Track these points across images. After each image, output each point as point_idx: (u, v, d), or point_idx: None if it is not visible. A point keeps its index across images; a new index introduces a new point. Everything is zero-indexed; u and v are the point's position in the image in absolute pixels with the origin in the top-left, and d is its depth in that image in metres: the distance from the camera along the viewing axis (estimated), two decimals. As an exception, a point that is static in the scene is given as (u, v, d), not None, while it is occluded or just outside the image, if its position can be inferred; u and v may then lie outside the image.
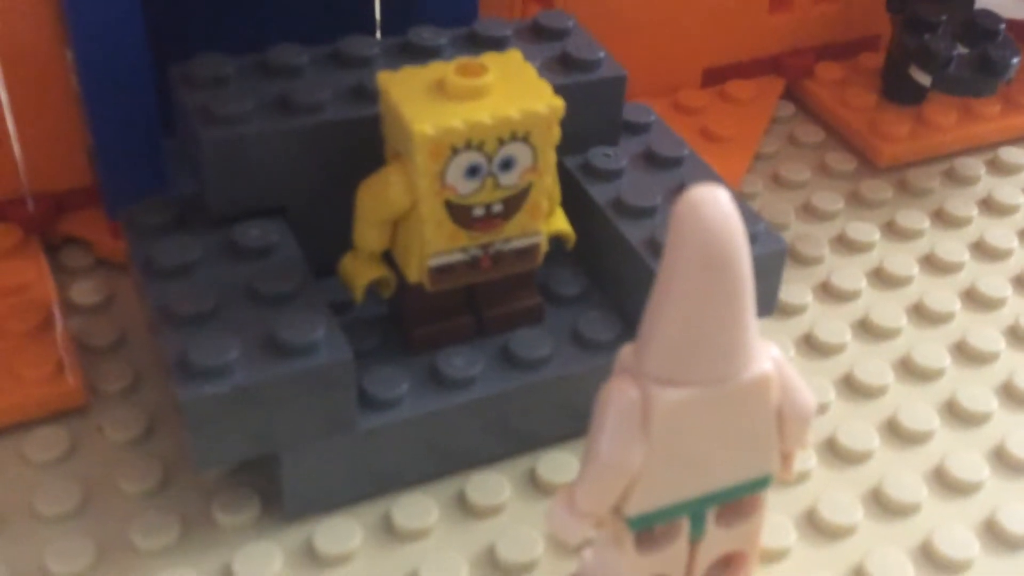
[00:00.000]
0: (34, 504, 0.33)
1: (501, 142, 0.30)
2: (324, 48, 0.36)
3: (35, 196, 0.41)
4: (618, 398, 0.26)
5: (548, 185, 0.32)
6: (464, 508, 0.34)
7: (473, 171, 0.31)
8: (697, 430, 0.27)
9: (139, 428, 0.35)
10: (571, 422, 0.35)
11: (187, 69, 0.35)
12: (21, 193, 0.41)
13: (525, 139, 0.31)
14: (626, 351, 0.27)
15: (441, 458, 0.34)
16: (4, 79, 0.39)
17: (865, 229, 0.45)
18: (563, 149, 0.33)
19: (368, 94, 0.34)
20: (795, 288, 0.42)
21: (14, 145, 0.40)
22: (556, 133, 0.31)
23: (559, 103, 0.31)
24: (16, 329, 0.37)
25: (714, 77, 0.51)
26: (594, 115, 0.37)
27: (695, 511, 0.28)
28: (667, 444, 0.27)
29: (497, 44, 0.37)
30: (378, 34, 0.42)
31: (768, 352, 0.27)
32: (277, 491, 0.33)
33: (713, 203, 0.25)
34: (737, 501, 0.29)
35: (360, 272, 0.33)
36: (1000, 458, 0.36)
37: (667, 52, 0.49)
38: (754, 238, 0.34)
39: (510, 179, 0.31)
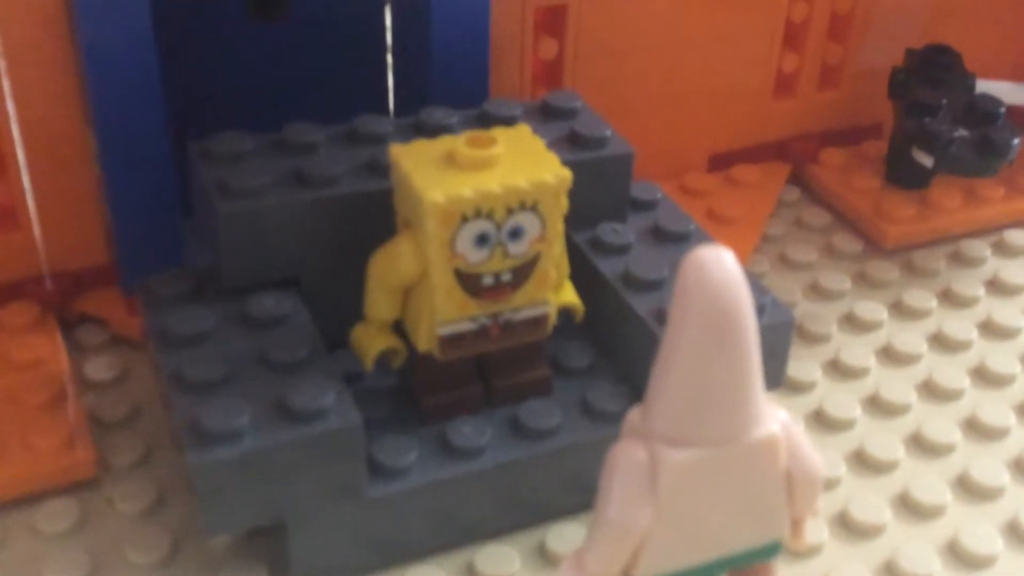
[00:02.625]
0: (43, 575, 0.33)
1: (510, 211, 0.31)
2: (339, 127, 0.37)
3: (53, 275, 0.42)
4: (626, 459, 0.26)
5: (556, 255, 0.33)
6: (474, 580, 0.34)
7: (482, 240, 0.31)
8: (706, 491, 0.27)
9: (149, 500, 0.35)
10: (580, 494, 0.35)
11: (206, 145, 0.36)
12: (39, 272, 0.42)
13: (534, 208, 0.31)
14: (634, 414, 0.27)
15: (450, 529, 0.34)
16: (27, 160, 0.40)
17: (873, 308, 0.45)
18: (572, 225, 0.34)
19: (381, 169, 0.35)
20: (804, 365, 0.42)
21: (34, 225, 0.41)
22: (564, 203, 0.32)
23: (567, 173, 0.32)
24: (30, 402, 0.37)
25: (720, 162, 0.52)
26: (602, 191, 0.38)
27: (706, 577, 0.28)
28: (676, 505, 0.27)
29: (507, 123, 0.38)
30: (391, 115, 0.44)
31: (776, 415, 0.27)
32: (284, 562, 0.33)
33: (718, 263, 0.25)
34: (748, 569, 0.29)
35: (371, 342, 0.33)
36: (1013, 531, 0.36)
37: (674, 137, 0.50)
38: (761, 309, 0.34)
39: (519, 248, 0.32)
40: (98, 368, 0.40)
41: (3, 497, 0.35)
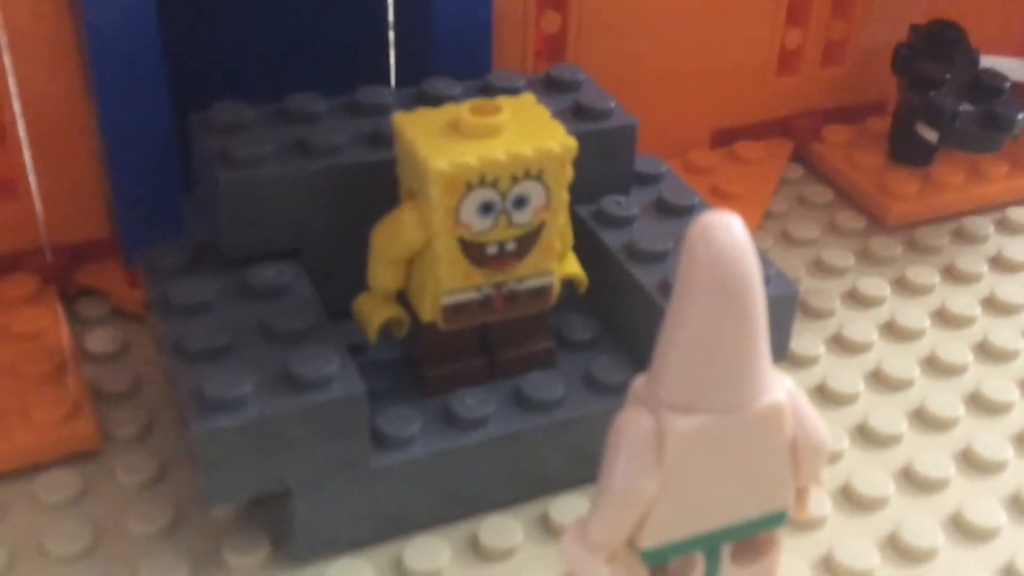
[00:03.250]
0: (45, 544, 0.33)
1: (514, 180, 0.31)
2: (341, 98, 0.37)
3: (53, 247, 0.42)
4: (631, 426, 0.26)
5: (561, 225, 0.33)
6: (476, 551, 0.34)
7: (487, 208, 0.31)
8: (711, 459, 0.27)
9: (150, 472, 0.35)
10: (583, 467, 0.34)
11: (207, 116, 0.35)
12: (39, 243, 0.41)
13: (538, 177, 0.31)
14: (639, 381, 0.27)
15: (453, 500, 0.34)
16: (27, 132, 0.40)
17: (876, 284, 0.45)
18: (575, 197, 0.34)
19: (383, 139, 0.35)
20: (807, 339, 0.42)
21: (35, 197, 0.41)
22: (569, 172, 0.32)
23: (572, 142, 0.31)
24: (31, 373, 0.37)
25: (723, 138, 0.52)
26: (606, 163, 0.38)
27: (710, 546, 0.28)
28: (681, 473, 0.26)
29: (510, 94, 0.38)
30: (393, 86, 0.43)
31: (782, 383, 0.27)
32: (287, 532, 0.33)
33: (725, 227, 0.25)
34: (752, 538, 0.29)
35: (374, 312, 0.33)
36: (1016, 504, 0.36)
37: (677, 114, 0.50)
38: (767, 280, 0.34)
39: (523, 217, 0.32)
40: (99, 340, 0.40)
41: (4, 468, 0.35)
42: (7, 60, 0.38)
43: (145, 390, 0.39)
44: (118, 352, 0.40)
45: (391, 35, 0.45)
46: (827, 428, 0.28)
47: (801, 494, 0.29)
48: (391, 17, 0.45)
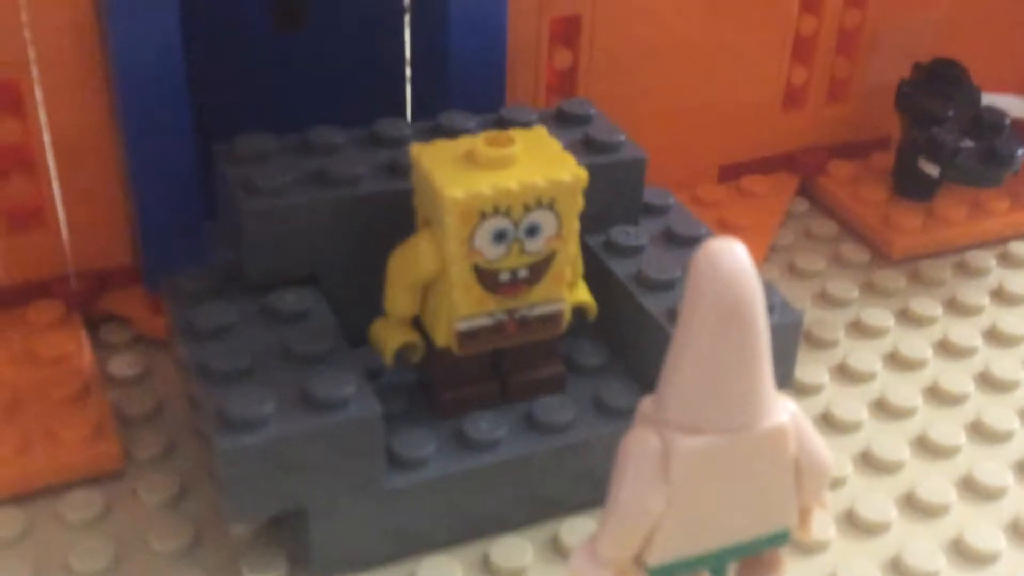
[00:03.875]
0: (69, 561, 0.34)
1: (527, 208, 0.32)
2: (360, 130, 0.38)
3: (78, 274, 0.43)
4: (639, 445, 0.27)
5: (572, 253, 0.34)
6: (488, 571, 0.34)
7: (500, 236, 0.32)
8: (716, 478, 0.28)
9: (172, 491, 0.36)
10: (593, 489, 0.35)
11: (231, 147, 0.37)
12: (65, 271, 0.43)
13: (550, 206, 0.32)
14: (646, 402, 0.28)
15: (466, 521, 0.35)
16: (55, 163, 0.41)
17: (879, 315, 0.46)
18: (585, 227, 0.35)
19: (401, 170, 0.36)
20: (812, 368, 0.43)
21: (62, 226, 0.42)
22: (580, 202, 0.33)
23: (583, 173, 0.33)
24: (56, 395, 0.38)
25: (730, 173, 0.53)
26: (615, 195, 0.39)
27: (716, 564, 0.29)
28: (687, 491, 0.27)
29: (523, 127, 0.39)
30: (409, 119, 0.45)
31: (786, 405, 0.28)
32: (303, 551, 0.34)
33: (730, 253, 0.26)
34: (757, 557, 0.30)
35: (390, 337, 0.34)
36: (1015, 530, 0.37)
37: (685, 148, 0.51)
38: (771, 309, 0.35)
39: (535, 245, 0.33)
40: (122, 365, 0.41)
41: (30, 487, 0.36)
42: (39, 93, 0.39)
43: (166, 413, 0.40)
44: (140, 376, 0.41)
45: (408, 70, 0.46)
46: (829, 450, 0.29)
47: (804, 515, 0.30)
48: (408, 53, 0.46)
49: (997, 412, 0.41)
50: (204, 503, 0.36)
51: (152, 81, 0.38)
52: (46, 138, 0.40)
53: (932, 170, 0.48)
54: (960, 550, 0.36)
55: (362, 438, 0.32)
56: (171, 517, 0.36)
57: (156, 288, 0.40)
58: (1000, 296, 0.48)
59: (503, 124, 0.39)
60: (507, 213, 0.32)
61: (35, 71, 0.39)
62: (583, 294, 0.36)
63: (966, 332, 0.45)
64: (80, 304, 0.42)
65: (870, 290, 0.48)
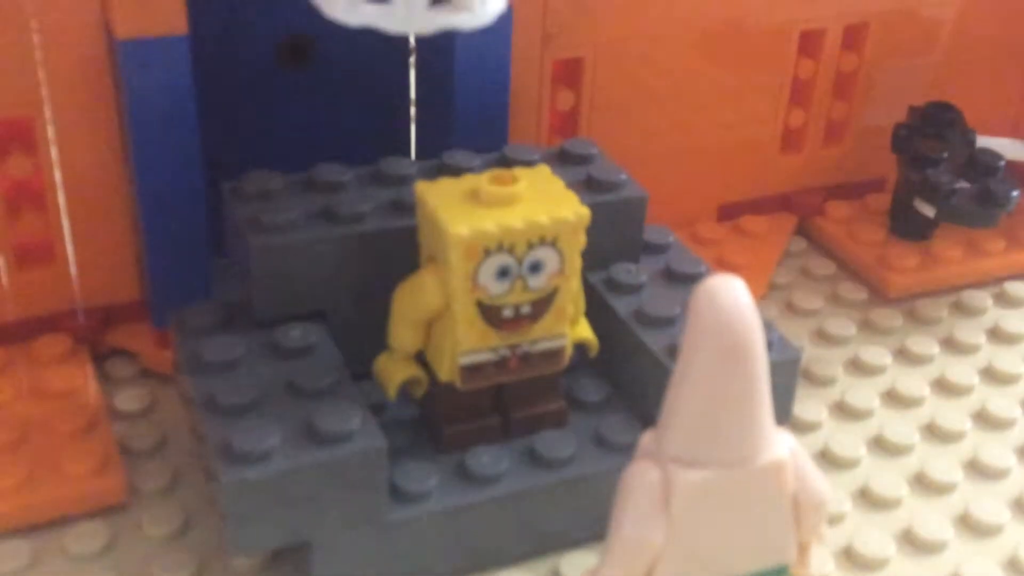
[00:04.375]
0: (73, 593, 0.34)
1: (530, 246, 0.33)
2: (365, 168, 0.39)
3: (86, 309, 0.43)
4: (640, 478, 0.28)
5: (574, 290, 0.34)
6: (489, 604, 0.35)
7: (503, 273, 0.33)
8: (716, 512, 0.28)
9: (175, 524, 0.37)
10: (593, 523, 0.36)
11: (238, 184, 0.37)
12: (73, 306, 0.43)
13: (553, 244, 0.33)
14: (647, 437, 0.29)
15: (467, 554, 0.35)
16: (66, 199, 0.42)
17: (877, 353, 0.46)
18: (587, 265, 0.35)
19: (405, 207, 0.37)
20: (810, 405, 0.43)
21: (70, 261, 0.43)
22: (582, 240, 0.34)
23: (585, 211, 0.33)
24: (62, 429, 0.39)
25: (729, 212, 0.54)
26: (617, 233, 0.39)
27: (715, 598, 0.29)
28: (686, 524, 0.28)
29: (526, 166, 0.39)
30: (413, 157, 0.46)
31: (785, 440, 0.29)
32: (307, 584, 0.34)
33: (730, 290, 0.27)
34: (756, 592, 0.30)
35: (394, 371, 0.35)
36: (1013, 566, 0.37)
37: (685, 188, 0.52)
38: (770, 345, 0.35)
39: (538, 282, 0.33)
40: (128, 399, 0.42)
41: (36, 519, 0.36)
42: (51, 131, 0.40)
43: (171, 447, 0.40)
44: (146, 410, 0.41)
45: (413, 110, 0.47)
46: (828, 485, 0.29)
47: (803, 550, 0.30)
48: (413, 94, 0.47)
49: (994, 449, 0.42)
50: (208, 536, 0.36)
51: (163, 119, 0.39)
52: (57, 175, 0.41)
53: (928, 211, 0.48)
54: (958, 586, 0.36)
55: (366, 471, 0.32)
56: (175, 550, 0.36)
57: (163, 323, 0.41)
58: (996, 335, 0.49)
59: (507, 163, 0.40)
60: (511, 250, 0.33)
61: (47, 109, 0.40)
62: (584, 330, 0.37)
63: (962, 370, 0.46)
64: (87, 338, 0.43)
65: (867, 328, 0.49)
